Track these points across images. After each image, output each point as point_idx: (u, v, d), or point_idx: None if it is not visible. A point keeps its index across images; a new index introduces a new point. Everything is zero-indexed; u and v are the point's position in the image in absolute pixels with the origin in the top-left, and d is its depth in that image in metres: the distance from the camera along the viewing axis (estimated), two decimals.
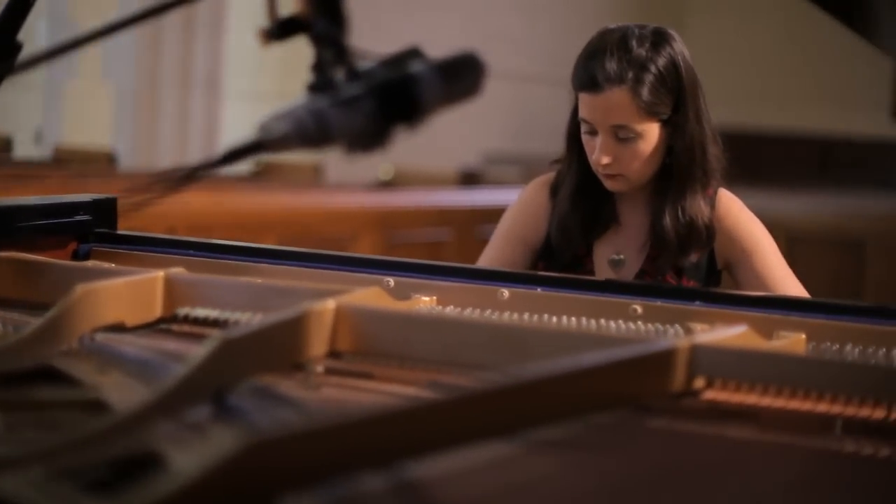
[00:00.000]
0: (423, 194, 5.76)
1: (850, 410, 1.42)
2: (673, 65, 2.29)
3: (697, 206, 2.35)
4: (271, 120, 1.32)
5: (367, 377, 1.56)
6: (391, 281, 1.93)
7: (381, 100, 1.30)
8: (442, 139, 5.84)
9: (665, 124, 2.31)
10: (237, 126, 6.61)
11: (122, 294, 1.69)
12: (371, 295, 1.72)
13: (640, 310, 1.83)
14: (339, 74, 1.33)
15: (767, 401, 1.44)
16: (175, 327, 1.76)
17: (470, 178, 6.68)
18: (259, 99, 6.84)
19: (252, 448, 0.92)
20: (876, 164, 8.07)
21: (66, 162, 6.27)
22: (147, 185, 1.31)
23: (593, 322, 1.82)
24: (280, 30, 1.35)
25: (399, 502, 1.05)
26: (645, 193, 2.40)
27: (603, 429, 1.33)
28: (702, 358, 1.44)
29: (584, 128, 2.33)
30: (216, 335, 1.39)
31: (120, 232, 2.15)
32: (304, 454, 0.97)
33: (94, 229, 2.12)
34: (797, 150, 8.34)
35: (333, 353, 1.60)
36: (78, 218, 2.10)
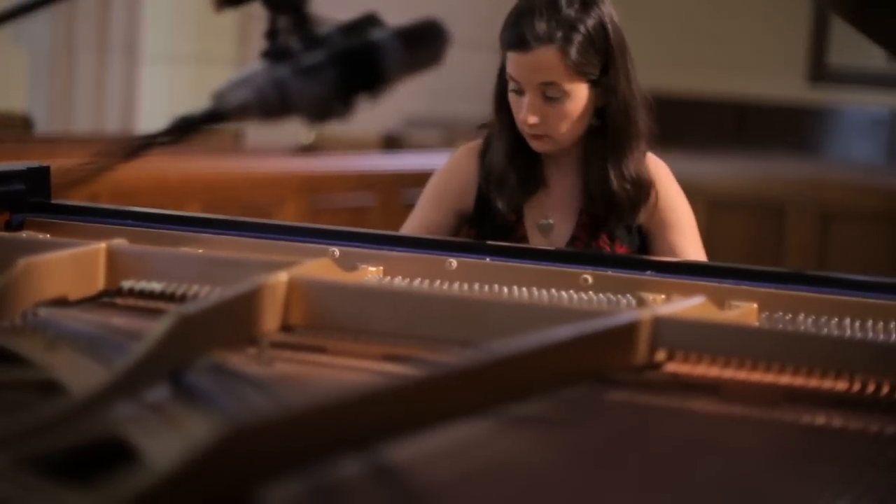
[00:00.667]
0: (347, 159, 5.70)
1: (813, 383, 1.41)
2: (602, 26, 2.29)
3: (641, 164, 2.35)
4: (228, 88, 1.27)
5: (320, 351, 1.53)
6: (336, 251, 1.89)
7: (343, 68, 1.26)
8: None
9: (593, 85, 2.30)
10: (155, 89, 6.49)
11: (65, 267, 1.64)
12: (321, 266, 1.68)
13: (590, 279, 1.81)
14: (295, 41, 1.29)
15: (729, 373, 1.44)
16: (119, 301, 1.71)
17: (392, 142, 6.64)
18: (177, 62, 6.72)
19: (232, 437, 0.89)
20: (793, 127, 8.13)
21: None
22: (97, 156, 1.26)
23: (544, 292, 1.80)
24: None
25: (374, 488, 1.02)
26: (572, 157, 2.38)
27: (567, 403, 1.31)
28: (663, 330, 1.43)
29: (511, 86, 2.32)
30: (172, 311, 1.34)
31: (55, 201, 2.09)
32: (283, 441, 0.94)
33: (28, 199, 2.05)
34: (714, 114, 8.37)
35: (285, 327, 1.56)
36: (11, 187, 2.03)
